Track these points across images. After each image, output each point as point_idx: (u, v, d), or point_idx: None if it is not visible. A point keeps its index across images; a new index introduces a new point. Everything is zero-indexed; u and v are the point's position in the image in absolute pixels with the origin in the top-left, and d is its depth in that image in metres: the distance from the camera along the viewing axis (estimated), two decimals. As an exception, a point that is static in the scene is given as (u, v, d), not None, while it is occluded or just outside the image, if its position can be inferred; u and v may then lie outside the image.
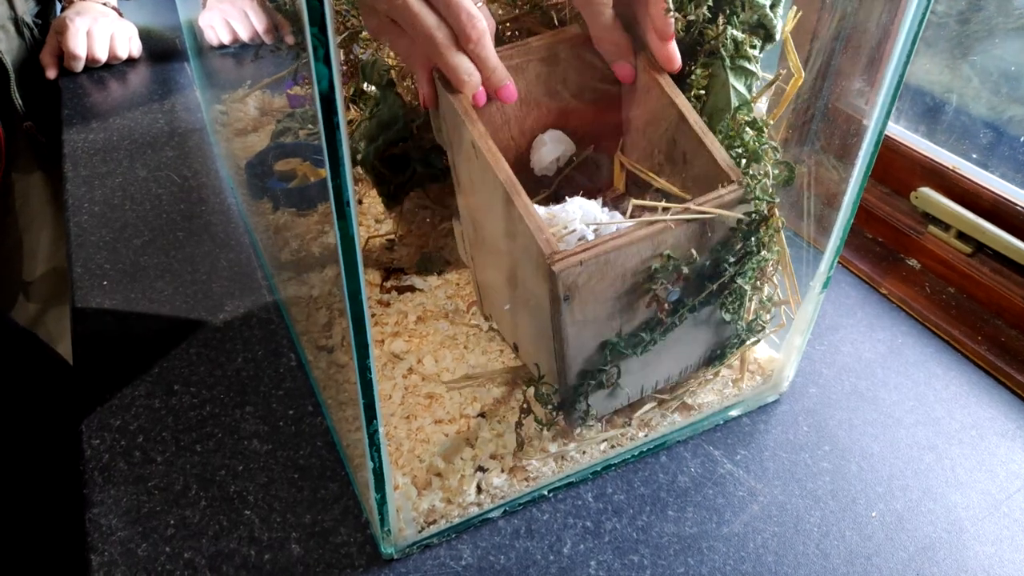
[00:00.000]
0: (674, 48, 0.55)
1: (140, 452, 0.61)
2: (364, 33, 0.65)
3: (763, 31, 0.53)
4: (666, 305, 0.52)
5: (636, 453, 0.60)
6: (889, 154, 0.84)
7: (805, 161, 0.60)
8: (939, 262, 0.79)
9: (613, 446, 0.59)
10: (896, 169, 0.84)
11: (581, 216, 0.52)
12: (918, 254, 0.81)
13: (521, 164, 0.61)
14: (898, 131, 0.85)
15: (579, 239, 0.50)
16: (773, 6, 0.53)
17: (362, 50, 0.68)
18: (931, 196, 0.80)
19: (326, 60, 0.31)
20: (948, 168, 0.79)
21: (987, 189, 0.76)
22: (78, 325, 0.72)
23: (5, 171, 1.13)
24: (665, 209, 0.50)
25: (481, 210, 0.57)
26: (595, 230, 0.50)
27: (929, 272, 0.80)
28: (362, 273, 0.38)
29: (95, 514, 0.57)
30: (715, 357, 0.62)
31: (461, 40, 0.51)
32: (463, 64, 0.52)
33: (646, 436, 0.60)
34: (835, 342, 0.73)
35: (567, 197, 0.60)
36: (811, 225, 0.59)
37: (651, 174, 0.59)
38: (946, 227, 0.79)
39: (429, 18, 0.50)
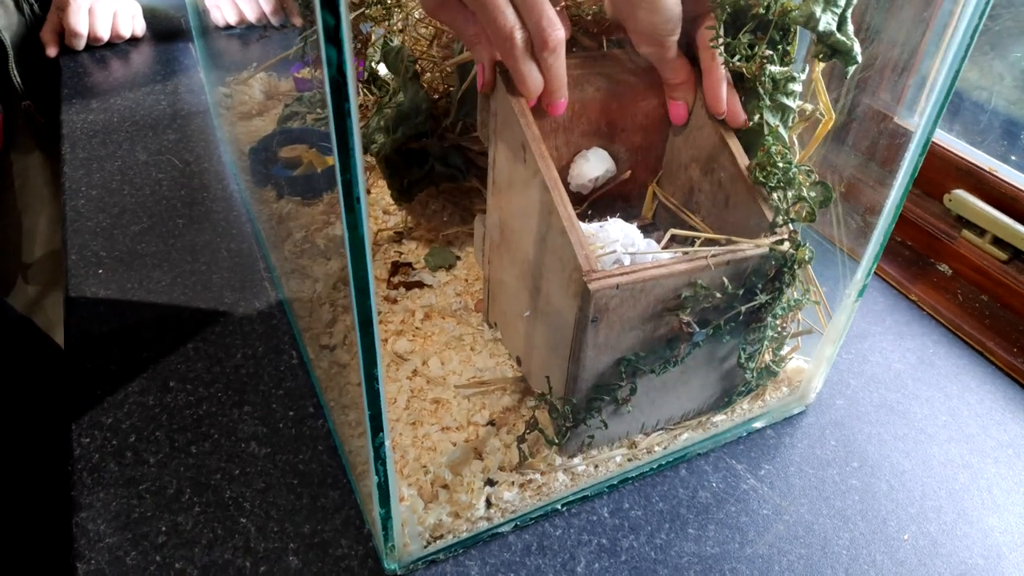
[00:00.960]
0: (734, 106, 0.53)
1: (132, 453, 0.58)
2: (372, 10, 0.61)
3: (842, 56, 0.50)
4: (690, 335, 0.49)
5: (655, 466, 0.57)
6: (922, 154, 0.81)
7: (841, 172, 0.57)
8: (972, 268, 0.76)
9: (630, 459, 0.56)
10: (929, 170, 0.80)
11: (622, 239, 0.50)
12: (950, 259, 0.78)
13: (559, 175, 0.58)
14: (932, 130, 0.81)
15: (614, 262, 0.49)
16: (840, 27, 0.49)
17: (373, 28, 0.64)
18: (966, 199, 0.76)
19: (337, 41, 0.27)
20: (984, 170, 0.75)
21: (1026, 193, 0.72)
22: (71, 316, 0.69)
23: (3, 151, 1.10)
24: (705, 242, 0.49)
25: (515, 214, 0.54)
26: (632, 256, 0.49)
27: (961, 279, 0.77)
28: (371, 274, 0.34)
29: (83, 518, 0.54)
30: (721, 404, 0.59)
31: (537, 45, 0.48)
32: (533, 72, 0.49)
33: (664, 449, 0.57)
34: (863, 351, 0.70)
35: (595, 217, 0.58)
36: (845, 232, 0.56)
37: (687, 211, 0.57)
38: (981, 232, 0.75)
39: (511, 17, 0.47)
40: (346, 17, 0.27)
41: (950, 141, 0.79)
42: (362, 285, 0.34)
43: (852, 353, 0.69)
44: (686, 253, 0.48)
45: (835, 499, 0.57)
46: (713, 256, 0.47)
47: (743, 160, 0.52)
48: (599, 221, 0.53)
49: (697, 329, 0.49)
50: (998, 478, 0.59)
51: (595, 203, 0.60)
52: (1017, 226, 0.72)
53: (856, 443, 0.61)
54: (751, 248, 0.48)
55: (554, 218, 0.47)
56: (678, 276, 0.47)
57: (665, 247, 0.51)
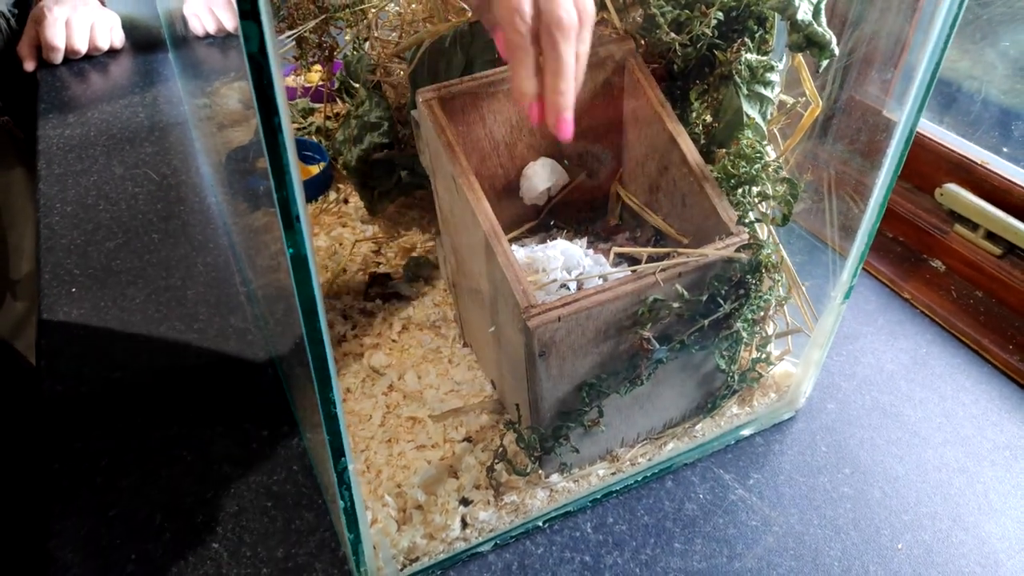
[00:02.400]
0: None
1: (102, 477, 0.56)
2: (343, 13, 0.59)
3: (817, 48, 0.48)
4: (651, 352, 0.48)
5: (639, 478, 0.55)
6: (912, 148, 0.78)
7: (829, 168, 0.55)
8: (966, 264, 0.74)
9: (614, 473, 0.54)
10: (920, 164, 0.78)
11: (563, 263, 0.49)
12: (943, 255, 0.76)
13: (511, 191, 0.56)
14: (922, 123, 0.79)
15: (560, 287, 0.47)
16: (816, 15, 0.47)
17: (338, 31, 0.62)
18: (958, 193, 0.74)
19: (263, 54, 0.26)
20: (977, 163, 0.73)
21: (1019, 186, 0.70)
22: (43, 336, 0.67)
23: (-16, 167, 1.08)
24: (650, 258, 0.47)
25: (462, 244, 0.53)
26: (577, 278, 0.48)
27: (955, 275, 0.75)
28: (319, 296, 0.33)
29: (51, 546, 0.52)
30: (703, 409, 0.57)
31: (548, 27, 0.41)
32: (528, 61, 0.42)
33: (649, 460, 0.55)
34: (854, 352, 0.68)
35: (556, 226, 0.57)
36: (832, 229, 0.54)
37: (649, 211, 0.55)
38: (974, 226, 0.73)
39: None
40: (268, 19, 0.25)
41: (941, 134, 0.77)
42: (309, 307, 0.33)
43: (843, 355, 0.67)
44: (634, 271, 0.45)
45: (826, 508, 0.55)
46: (661, 271, 0.45)
47: (693, 157, 0.50)
48: (540, 243, 0.51)
49: (657, 346, 0.47)
50: (995, 482, 0.57)
51: (558, 211, 0.58)
52: (1011, 220, 0.70)
53: (848, 449, 0.59)
54: (702, 258, 0.46)
55: (489, 251, 0.46)
56: (625, 298, 0.45)
57: (615, 263, 0.50)
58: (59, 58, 1.08)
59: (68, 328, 0.68)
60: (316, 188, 0.80)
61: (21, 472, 0.76)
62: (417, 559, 0.49)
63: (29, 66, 1.08)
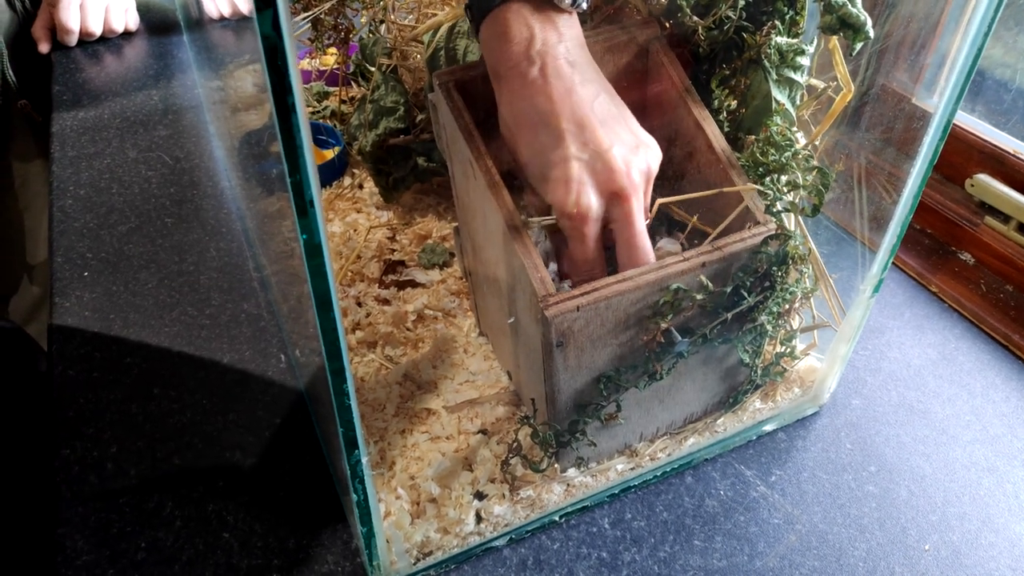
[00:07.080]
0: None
1: (112, 464, 0.56)
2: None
3: (851, 31, 0.46)
4: (672, 345, 0.46)
5: (659, 473, 0.54)
6: (942, 137, 0.77)
7: (857, 158, 0.53)
8: (997, 257, 0.72)
9: (632, 467, 0.53)
10: (949, 154, 0.76)
11: None
12: (973, 248, 0.74)
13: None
14: (952, 111, 0.77)
15: None
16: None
17: (354, 13, 0.61)
18: (989, 184, 0.72)
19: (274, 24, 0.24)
20: (1009, 152, 0.71)
21: (1054, 177, 0.68)
22: (55, 321, 0.67)
23: (2, 151, 1.08)
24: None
25: (478, 230, 0.51)
26: None
27: (985, 268, 0.73)
28: (334, 286, 0.32)
29: (60, 534, 0.51)
30: (725, 403, 0.55)
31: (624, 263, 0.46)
32: (586, 264, 0.46)
33: (669, 455, 0.54)
34: (880, 347, 0.66)
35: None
36: (862, 220, 0.52)
37: (675, 208, 0.53)
38: (1005, 218, 0.71)
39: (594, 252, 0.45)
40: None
41: (972, 123, 0.75)
42: (324, 299, 0.32)
43: (869, 349, 0.66)
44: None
45: (851, 507, 0.54)
46: (685, 260, 0.44)
47: (719, 143, 0.48)
48: None
49: (679, 338, 0.45)
50: (1026, 482, 0.56)
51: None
52: (1044, 212, 0.68)
53: (873, 446, 0.58)
54: (730, 246, 0.45)
55: (507, 239, 0.45)
56: (645, 287, 0.43)
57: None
58: (74, 40, 1.08)
59: (80, 312, 0.67)
60: (331, 173, 0.79)
61: (31, 458, 0.75)
62: (431, 553, 0.48)
63: (44, 48, 1.08)
